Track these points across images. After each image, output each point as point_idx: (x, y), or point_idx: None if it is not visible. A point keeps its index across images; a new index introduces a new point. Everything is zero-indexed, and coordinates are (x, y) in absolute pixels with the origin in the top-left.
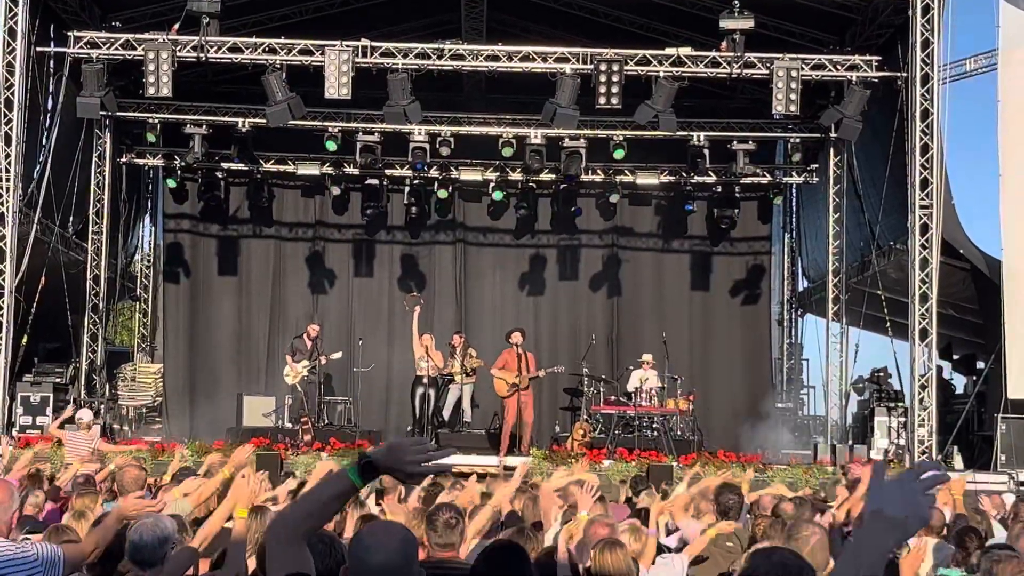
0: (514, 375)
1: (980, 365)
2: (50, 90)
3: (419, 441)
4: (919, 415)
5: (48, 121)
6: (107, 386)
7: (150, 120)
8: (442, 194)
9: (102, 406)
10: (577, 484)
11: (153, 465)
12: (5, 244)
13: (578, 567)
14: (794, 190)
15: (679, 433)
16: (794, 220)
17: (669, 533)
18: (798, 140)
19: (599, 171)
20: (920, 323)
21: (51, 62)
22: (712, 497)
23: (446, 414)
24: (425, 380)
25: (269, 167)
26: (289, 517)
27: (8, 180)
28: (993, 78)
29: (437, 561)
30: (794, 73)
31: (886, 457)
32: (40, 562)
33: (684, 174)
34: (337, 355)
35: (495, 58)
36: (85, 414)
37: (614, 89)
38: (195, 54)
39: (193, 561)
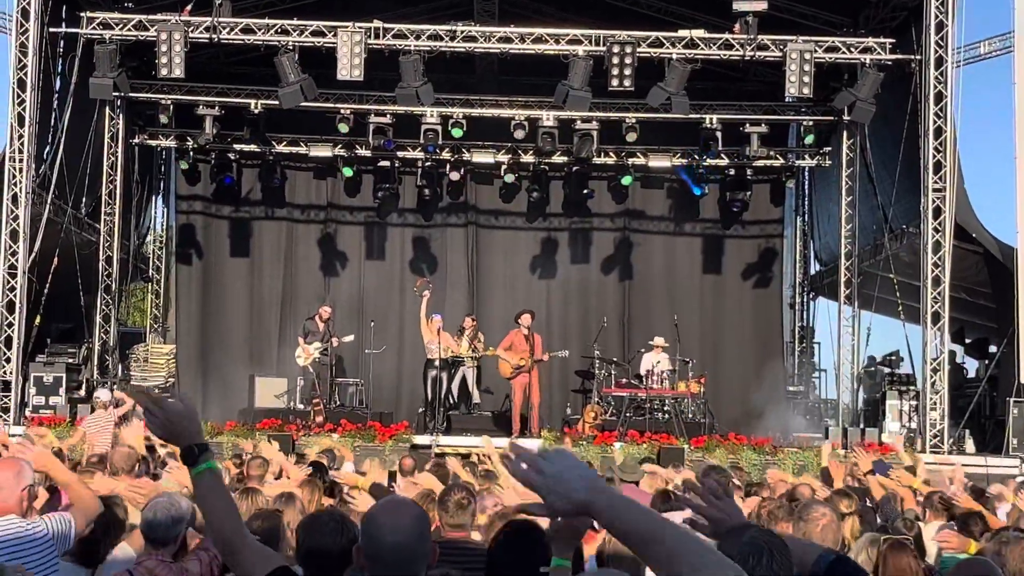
0: (519, 357)
1: (992, 349)
2: (62, 71)
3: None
4: (931, 399)
5: (61, 102)
6: (119, 367)
7: (163, 101)
8: (454, 176)
9: (115, 387)
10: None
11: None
12: (18, 225)
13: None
14: (806, 173)
15: (690, 416)
16: (806, 203)
17: None
18: (811, 123)
19: (611, 154)
20: (932, 307)
21: (64, 43)
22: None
23: (455, 395)
24: (437, 363)
25: (281, 149)
26: (218, 535)
27: (21, 161)
28: (1007, 61)
29: (448, 541)
30: (807, 56)
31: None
32: (51, 537)
33: (696, 157)
34: (349, 338)
35: (507, 40)
36: (103, 394)
37: (627, 71)
38: (208, 35)
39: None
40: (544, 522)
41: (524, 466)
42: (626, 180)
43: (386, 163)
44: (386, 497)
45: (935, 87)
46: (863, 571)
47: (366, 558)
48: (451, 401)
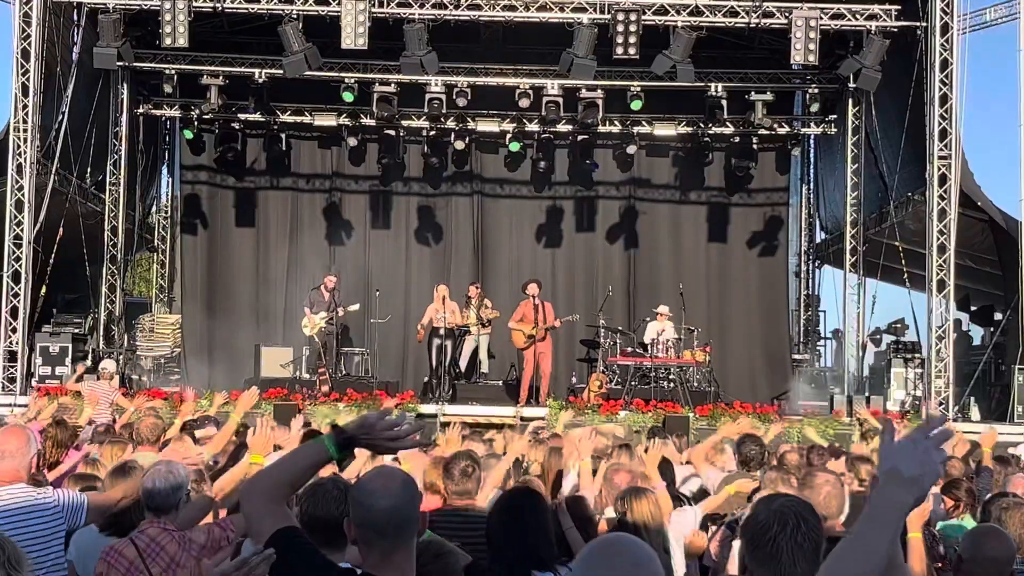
0: (531, 327)
1: (998, 316)
2: (65, 41)
3: (387, 415)
4: (936, 366)
5: (65, 72)
6: (125, 337)
7: (167, 71)
8: (459, 145)
9: (120, 357)
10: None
11: (170, 416)
12: (24, 195)
13: (590, 515)
14: (812, 141)
15: (695, 384)
16: (812, 171)
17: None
18: (816, 91)
19: (616, 122)
20: (938, 274)
21: (67, 12)
22: (733, 447)
23: (463, 365)
24: (442, 332)
25: (286, 118)
26: (264, 482)
27: (26, 131)
28: (1012, 28)
29: (454, 509)
30: (813, 23)
31: (903, 409)
32: (61, 508)
33: (702, 125)
34: (355, 307)
35: (512, 8)
36: (109, 364)
37: (632, 39)
38: (211, 4)
39: (209, 509)
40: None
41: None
42: (631, 149)
43: (391, 132)
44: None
45: (940, 54)
46: None
47: (356, 526)
48: (456, 370)
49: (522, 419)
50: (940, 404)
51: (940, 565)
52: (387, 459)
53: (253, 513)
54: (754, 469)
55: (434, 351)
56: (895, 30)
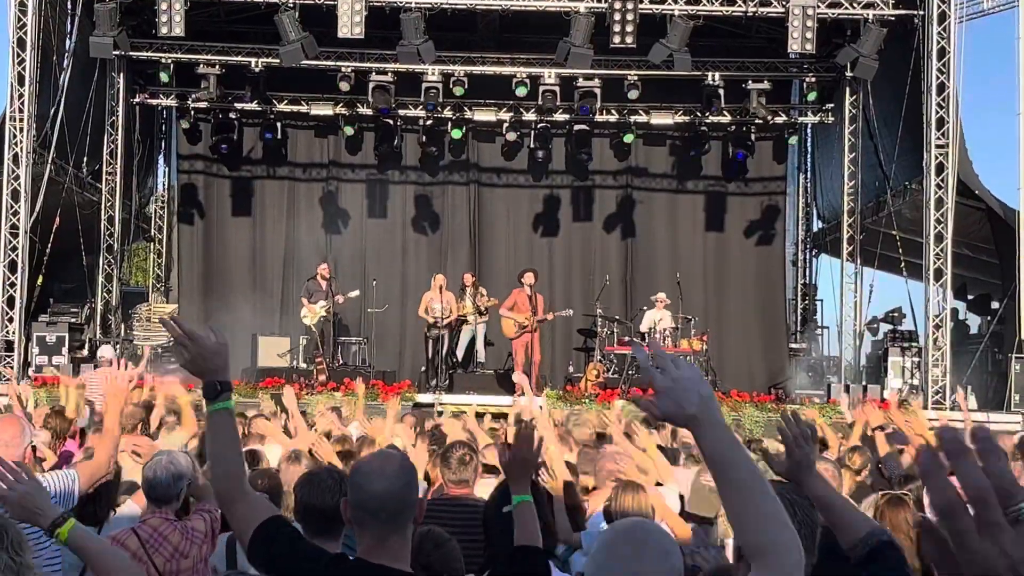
0: (524, 316)
1: (995, 305)
2: (62, 30)
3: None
4: (933, 355)
5: (61, 61)
6: (122, 326)
7: (163, 60)
8: (456, 134)
9: (117, 346)
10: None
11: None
12: (20, 184)
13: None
14: (809, 130)
15: None
16: (809, 160)
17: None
18: (814, 79)
19: (613, 111)
20: (935, 263)
21: (65, 1)
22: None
23: (459, 354)
24: (439, 322)
25: (282, 107)
26: (217, 482)
27: (22, 120)
28: (1009, 17)
29: (452, 498)
30: (810, 11)
31: (901, 398)
32: (54, 495)
33: (699, 114)
34: (355, 293)
35: None
36: (107, 351)
37: (628, 28)
38: None
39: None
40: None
41: (651, 362)
42: (628, 138)
43: (388, 121)
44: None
45: (938, 43)
46: (904, 560)
47: (353, 508)
48: (453, 360)
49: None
50: (937, 393)
51: None
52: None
53: (228, 512)
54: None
55: (431, 341)
56: (892, 19)
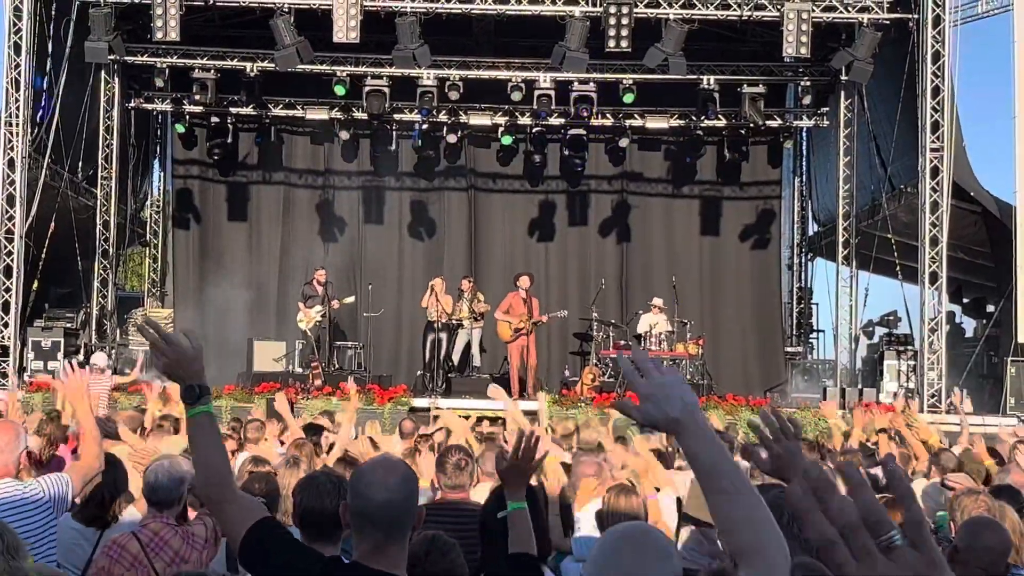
0: (518, 320)
1: (991, 308)
2: (57, 35)
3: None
4: (929, 358)
5: (56, 66)
6: (117, 331)
7: (158, 64)
8: (451, 139)
9: (113, 351)
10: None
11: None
12: (15, 189)
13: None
14: (805, 134)
15: (688, 377)
16: (804, 164)
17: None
18: (809, 83)
19: (608, 115)
20: (930, 266)
21: (58, 6)
22: None
23: (456, 359)
24: (436, 325)
25: (278, 112)
26: (203, 488)
27: (17, 125)
28: (1005, 20)
29: (448, 503)
30: (805, 15)
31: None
32: (48, 500)
33: (694, 118)
34: (351, 299)
35: (504, 1)
36: (100, 358)
37: (624, 32)
38: None
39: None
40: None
41: (633, 366)
42: (623, 142)
43: (386, 125)
44: (376, 456)
45: (933, 46)
46: None
47: (353, 515)
48: (450, 364)
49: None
50: (932, 396)
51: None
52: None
53: (217, 515)
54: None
55: (428, 345)
56: (887, 23)
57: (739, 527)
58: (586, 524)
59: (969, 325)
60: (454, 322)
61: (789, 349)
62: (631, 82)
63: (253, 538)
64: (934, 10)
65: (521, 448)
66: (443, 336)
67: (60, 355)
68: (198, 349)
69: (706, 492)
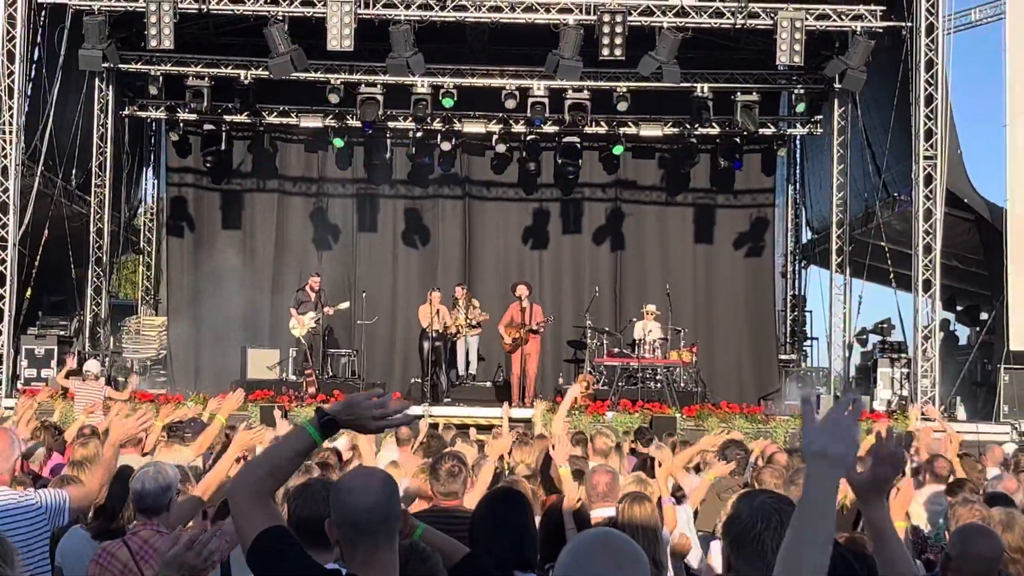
0: (515, 331)
1: (984, 316)
2: (50, 43)
3: (376, 395)
4: (922, 366)
5: (50, 74)
6: (111, 339)
7: (152, 72)
8: (445, 147)
9: (106, 359)
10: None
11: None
12: (8, 197)
13: (588, 518)
14: (798, 141)
15: (682, 385)
16: (798, 172)
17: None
18: (802, 91)
19: (602, 123)
20: (923, 274)
21: (52, 14)
22: (717, 451)
23: (452, 366)
24: (433, 334)
25: (272, 120)
26: (249, 478)
27: (11, 133)
28: (998, 28)
29: (442, 510)
30: (798, 24)
31: (888, 409)
32: (44, 509)
33: (688, 126)
34: (345, 305)
35: (498, 9)
36: (93, 365)
37: (617, 40)
38: (196, 6)
39: (199, 509)
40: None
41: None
42: (617, 149)
43: (382, 130)
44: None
45: (926, 54)
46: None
47: (340, 527)
48: (453, 372)
49: (511, 420)
50: (926, 404)
51: (932, 558)
52: (383, 465)
53: (239, 511)
54: (738, 473)
55: (425, 353)
56: (880, 31)
57: (798, 567)
58: None
59: (963, 333)
60: (450, 333)
61: (783, 357)
62: (625, 90)
63: (263, 542)
64: (927, 18)
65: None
66: (440, 344)
67: (53, 363)
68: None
69: (794, 532)
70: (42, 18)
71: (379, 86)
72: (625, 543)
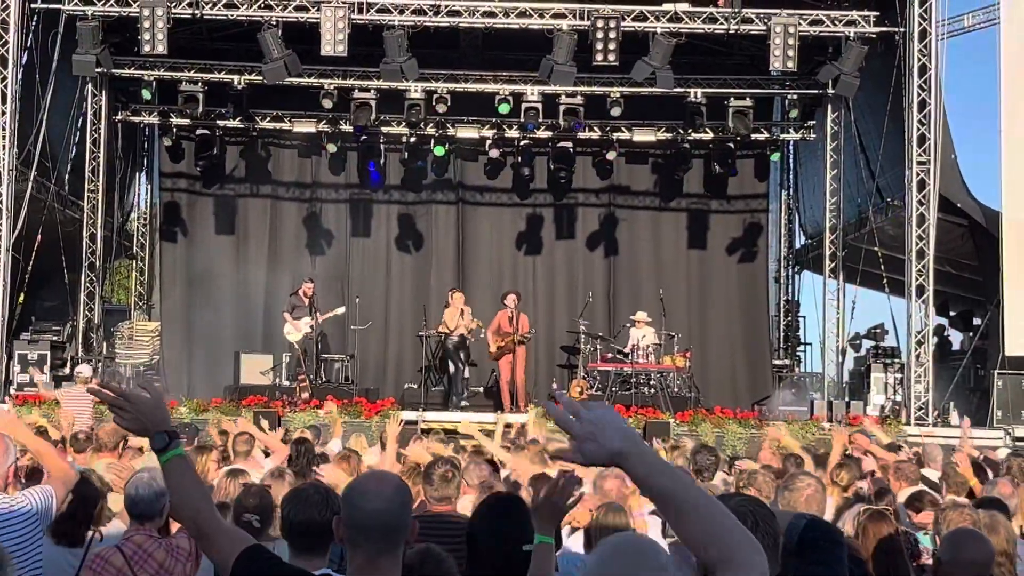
0: (501, 339)
1: (977, 321)
2: (44, 48)
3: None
4: (915, 371)
5: (43, 79)
6: (104, 344)
7: (146, 77)
8: (439, 151)
9: (99, 364)
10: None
11: None
12: (1, 202)
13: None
14: (791, 147)
15: (676, 390)
16: (792, 177)
17: None
18: (795, 96)
19: (596, 128)
20: (917, 279)
21: (46, 19)
22: (688, 456)
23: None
24: (455, 338)
25: (265, 124)
26: (190, 524)
27: (4, 138)
28: (991, 33)
29: (434, 515)
30: (792, 29)
31: (881, 414)
32: (36, 512)
33: (681, 131)
34: (341, 310)
35: (492, 14)
36: (84, 369)
37: (611, 46)
38: (190, 11)
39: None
40: (526, 497)
41: (563, 411)
42: (610, 155)
43: (372, 138)
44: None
45: (919, 60)
46: (836, 530)
47: (347, 527)
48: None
49: (505, 425)
50: (920, 409)
51: (918, 563)
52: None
53: (206, 545)
54: (707, 479)
55: (452, 355)
56: (874, 36)
57: (708, 540)
58: (574, 543)
59: (956, 338)
60: (456, 337)
61: (776, 362)
62: (618, 95)
63: (243, 565)
64: (920, 24)
65: (559, 486)
66: (462, 352)
67: (46, 368)
68: (158, 396)
69: (665, 515)
70: (35, 23)
71: (372, 91)
72: (650, 545)
